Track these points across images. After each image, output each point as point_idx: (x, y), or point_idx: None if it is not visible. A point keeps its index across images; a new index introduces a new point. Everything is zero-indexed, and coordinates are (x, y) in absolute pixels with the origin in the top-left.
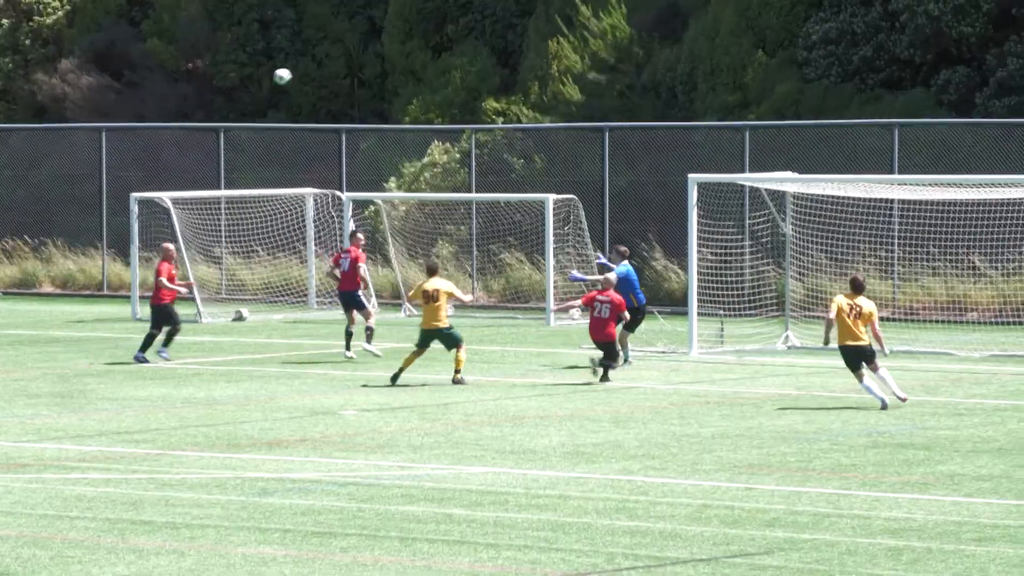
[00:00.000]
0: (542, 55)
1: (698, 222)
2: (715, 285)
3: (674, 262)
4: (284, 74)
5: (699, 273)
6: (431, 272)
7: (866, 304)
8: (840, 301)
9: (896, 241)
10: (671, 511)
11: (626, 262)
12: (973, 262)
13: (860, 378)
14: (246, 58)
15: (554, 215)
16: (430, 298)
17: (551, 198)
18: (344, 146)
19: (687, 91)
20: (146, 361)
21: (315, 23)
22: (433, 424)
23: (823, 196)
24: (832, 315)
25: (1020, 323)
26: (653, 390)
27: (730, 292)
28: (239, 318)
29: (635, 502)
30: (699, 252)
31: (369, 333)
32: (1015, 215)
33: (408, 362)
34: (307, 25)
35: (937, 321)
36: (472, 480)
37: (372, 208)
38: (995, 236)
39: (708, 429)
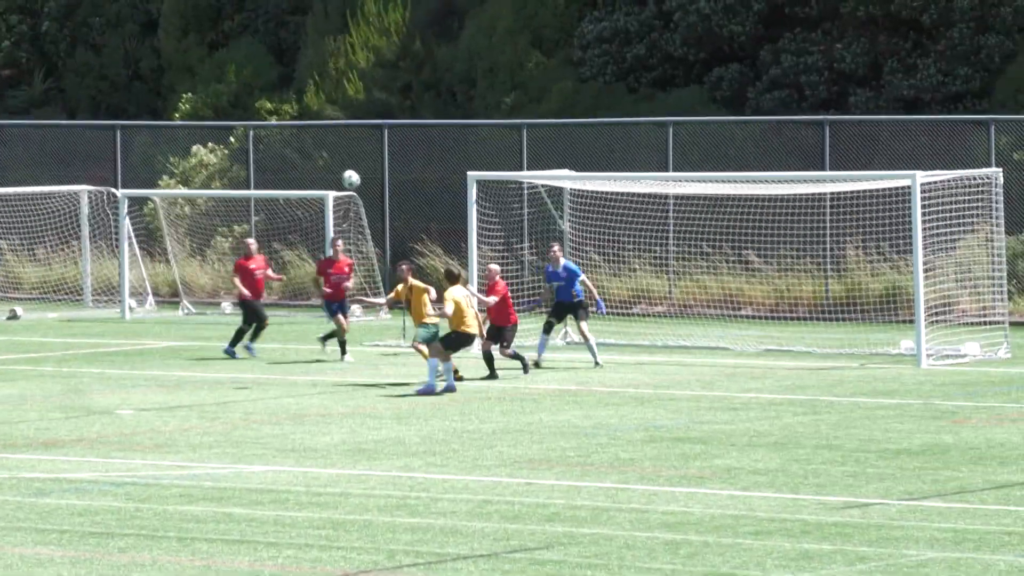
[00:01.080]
0: (320, 51)
1: (477, 220)
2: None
3: (454, 259)
4: (354, 179)
5: (478, 270)
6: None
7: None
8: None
9: (671, 237)
10: (452, 507)
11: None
12: (747, 257)
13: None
14: (11, 47)
15: (334, 212)
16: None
17: (331, 195)
18: (119, 143)
19: (466, 89)
20: (235, 356)
21: (89, 15)
22: (212, 423)
23: (600, 193)
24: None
25: (794, 318)
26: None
27: (512, 288)
28: (13, 316)
29: (416, 499)
30: (479, 249)
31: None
32: (787, 210)
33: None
34: (80, 17)
35: (712, 316)
36: (252, 479)
37: (150, 206)
38: (768, 232)
39: (489, 425)
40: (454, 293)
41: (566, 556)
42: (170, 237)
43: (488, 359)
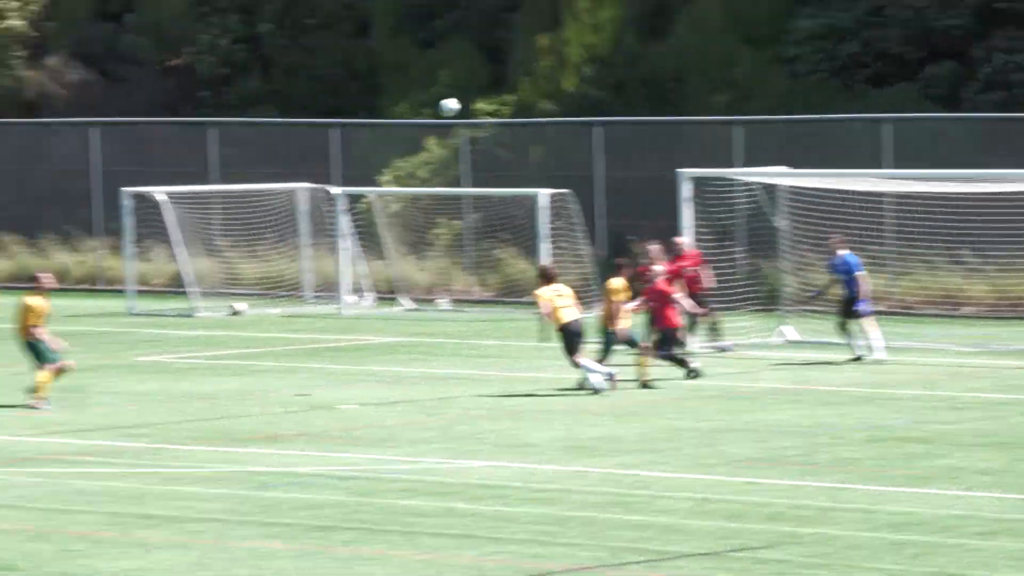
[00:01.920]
0: (532, 49)
1: (690, 217)
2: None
3: (668, 257)
4: (452, 104)
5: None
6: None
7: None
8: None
9: (888, 235)
10: (673, 505)
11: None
12: (964, 256)
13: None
14: (227, 45)
15: (548, 210)
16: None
17: (544, 192)
18: (335, 141)
19: (677, 86)
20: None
21: (304, 15)
22: (432, 418)
23: (815, 191)
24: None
25: (1016, 317)
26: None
27: (723, 286)
28: (235, 313)
29: (636, 496)
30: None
31: None
32: (1006, 209)
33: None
34: (294, 17)
35: (932, 315)
36: (472, 474)
37: (365, 202)
38: (986, 230)
39: (707, 423)
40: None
41: (789, 555)
42: (386, 234)
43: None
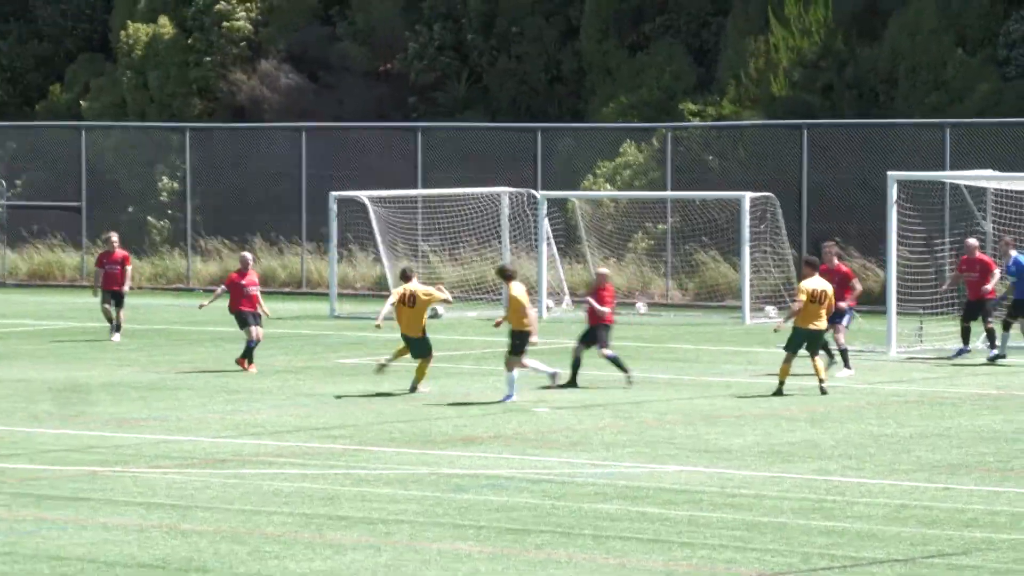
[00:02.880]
0: (740, 52)
1: (897, 220)
2: (914, 283)
3: (872, 261)
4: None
5: (898, 271)
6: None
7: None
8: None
9: None
10: (868, 511)
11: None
12: None
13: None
14: (435, 52)
15: (751, 213)
16: (815, 299)
17: (748, 196)
18: (540, 145)
19: (888, 89)
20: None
21: (511, 19)
22: (626, 422)
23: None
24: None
25: None
26: (850, 389)
27: (929, 290)
28: (435, 315)
29: (831, 502)
30: (898, 250)
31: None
32: None
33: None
34: (501, 21)
35: None
36: (666, 479)
37: (569, 206)
38: None
39: (906, 429)
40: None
41: (984, 562)
42: (588, 237)
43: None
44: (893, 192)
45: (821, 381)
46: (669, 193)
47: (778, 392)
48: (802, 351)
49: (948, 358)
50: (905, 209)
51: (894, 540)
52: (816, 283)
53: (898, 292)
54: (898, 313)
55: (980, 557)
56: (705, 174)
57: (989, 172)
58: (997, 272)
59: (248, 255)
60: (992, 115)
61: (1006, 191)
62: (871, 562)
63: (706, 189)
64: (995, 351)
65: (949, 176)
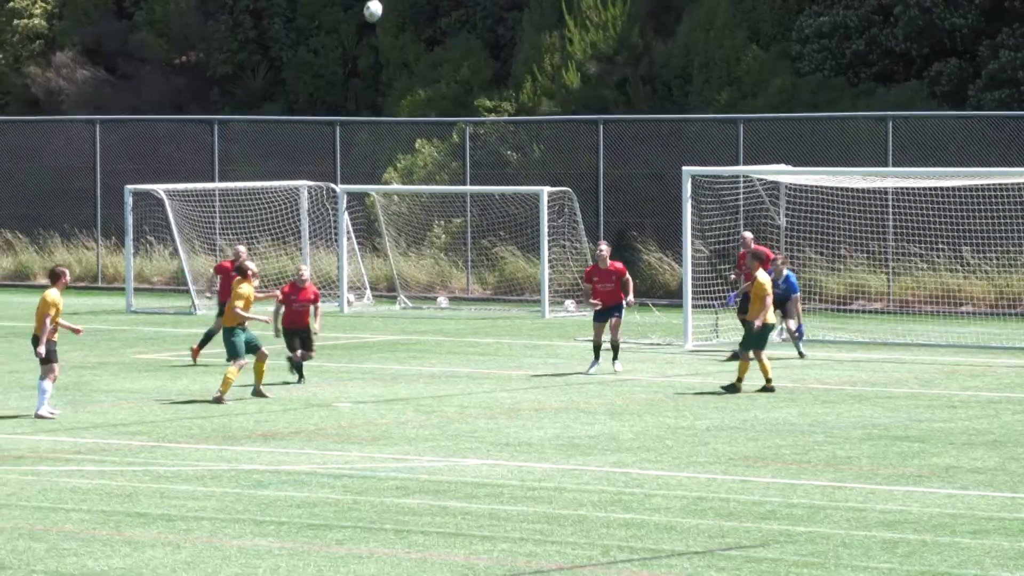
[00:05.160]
0: (536, 47)
1: (692, 214)
2: (710, 277)
3: (668, 254)
4: (375, 9)
5: (693, 265)
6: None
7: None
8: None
9: (890, 233)
10: (666, 503)
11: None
12: (963, 255)
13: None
14: (238, 47)
15: (549, 207)
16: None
17: (546, 190)
18: (338, 139)
19: (682, 84)
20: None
21: (309, 13)
22: (428, 416)
23: (817, 189)
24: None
25: (1015, 315)
26: (648, 382)
27: (724, 284)
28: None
29: (630, 494)
30: (693, 244)
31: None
32: (1008, 207)
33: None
34: (301, 15)
35: (930, 313)
36: (467, 472)
37: (369, 201)
38: (988, 228)
39: (703, 422)
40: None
41: (782, 554)
42: (387, 232)
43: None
44: (688, 186)
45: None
46: (468, 188)
47: (767, 389)
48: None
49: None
50: (700, 203)
51: (692, 532)
52: (768, 277)
53: (693, 286)
54: (694, 307)
55: (778, 549)
56: (504, 168)
57: (782, 167)
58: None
59: (242, 248)
60: (785, 110)
61: (799, 185)
62: (670, 554)
63: (505, 183)
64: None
65: (742, 171)
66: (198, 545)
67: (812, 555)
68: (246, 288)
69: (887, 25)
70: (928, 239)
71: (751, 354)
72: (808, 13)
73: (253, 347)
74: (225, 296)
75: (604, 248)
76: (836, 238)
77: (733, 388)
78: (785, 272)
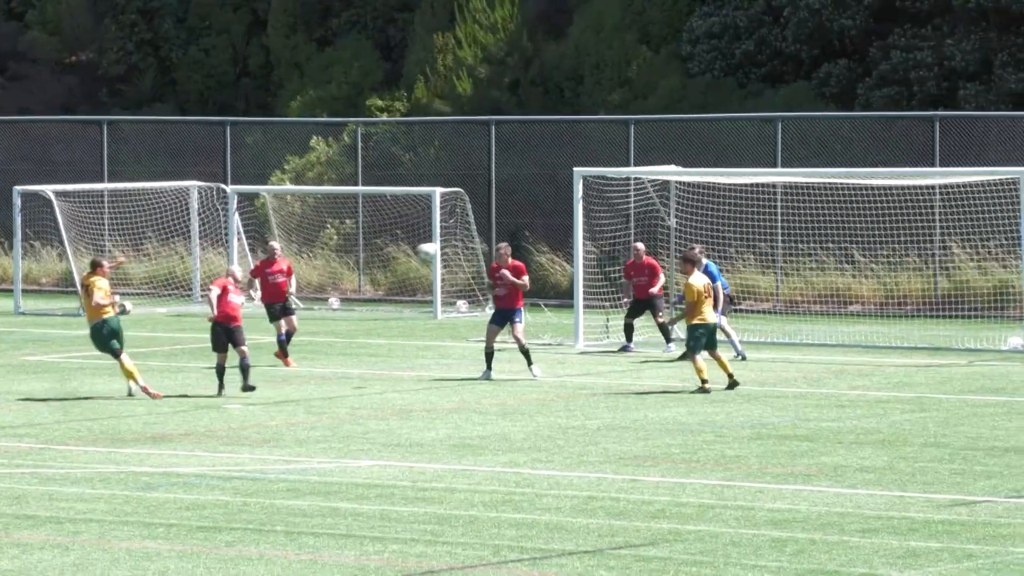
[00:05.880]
0: (428, 48)
1: (584, 215)
2: (601, 278)
3: (560, 255)
4: (430, 250)
5: (585, 266)
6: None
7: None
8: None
9: (779, 234)
10: (557, 503)
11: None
12: (852, 255)
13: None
14: (132, 47)
15: (441, 208)
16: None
17: (438, 191)
18: (229, 139)
19: (573, 85)
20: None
21: (200, 13)
22: (319, 418)
23: (707, 189)
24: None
25: (902, 315)
26: (539, 382)
27: (615, 285)
28: (123, 311)
29: (521, 495)
30: (584, 245)
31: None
32: (895, 207)
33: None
34: (192, 15)
35: (819, 313)
36: (358, 474)
37: (260, 201)
38: (877, 229)
39: (594, 421)
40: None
41: (671, 553)
42: (279, 232)
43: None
44: (579, 187)
45: (730, 375)
46: (359, 188)
47: (701, 390)
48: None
49: (617, 351)
50: (591, 204)
51: (582, 531)
52: (700, 279)
53: (585, 287)
54: (585, 308)
55: (667, 548)
56: (396, 169)
57: (673, 167)
58: (663, 276)
59: (275, 244)
60: (676, 111)
61: (689, 185)
62: (560, 554)
63: (398, 184)
64: (671, 344)
65: (634, 171)
66: (87, 547)
67: (701, 554)
68: (102, 282)
69: (777, 26)
70: (817, 239)
71: (691, 354)
72: (698, 14)
73: (119, 336)
74: (267, 297)
75: (503, 248)
76: (725, 238)
77: (702, 390)
78: (705, 262)
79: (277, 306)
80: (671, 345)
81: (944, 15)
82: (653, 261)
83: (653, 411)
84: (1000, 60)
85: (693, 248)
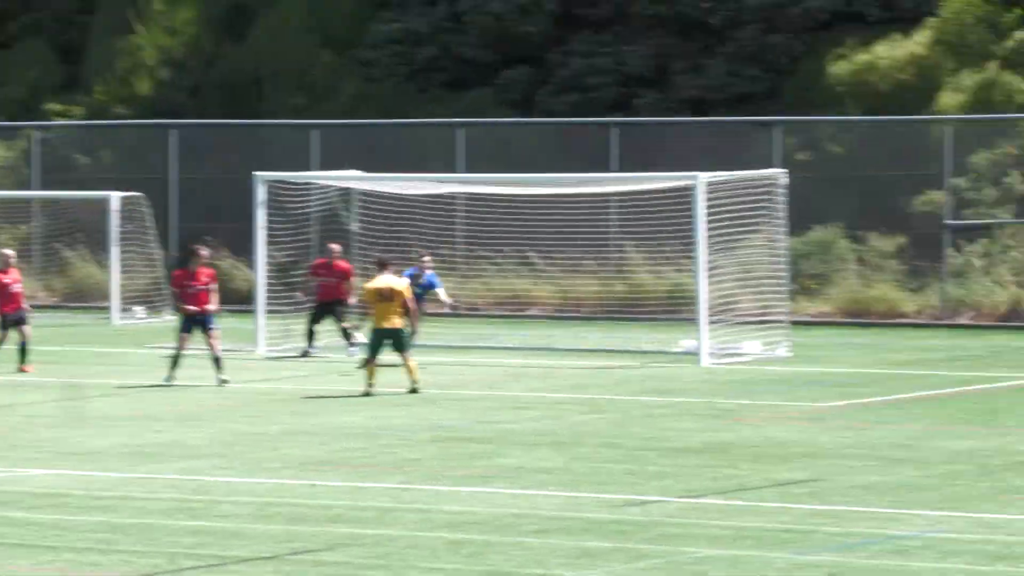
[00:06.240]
0: (108, 51)
1: (265, 220)
2: (283, 283)
3: (242, 260)
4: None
5: (267, 272)
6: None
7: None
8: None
9: (459, 239)
10: (235, 510)
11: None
12: (533, 259)
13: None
14: None
15: (120, 213)
16: (385, 297)
17: (116, 196)
18: None
19: (255, 89)
20: None
21: None
22: None
23: (389, 195)
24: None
25: (579, 318)
26: (220, 388)
27: (305, 288)
28: None
29: (198, 501)
30: (267, 250)
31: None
32: (573, 213)
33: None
34: None
35: (500, 316)
36: (31, 483)
37: None
38: (555, 233)
39: (275, 427)
40: None
41: (349, 557)
42: None
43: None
44: (261, 192)
45: (414, 382)
46: (32, 192)
47: (366, 393)
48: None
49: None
50: (273, 209)
51: (261, 537)
52: (382, 282)
53: (267, 292)
54: (267, 313)
55: (345, 552)
56: (75, 173)
57: (355, 172)
58: (353, 281)
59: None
60: (358, 116)
61: (372, 191)
62: (238, 560)
63: (78, 188)
64: (354, 348)
65: (316, 176)
66: None
67: (379, 557)
68: None
69: (458, 32)
70: (497, 244)
71: (401, 357)
72: (380, 19)
73: None
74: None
75: (204, 252)
76: (408, 243)
77: (413, 391)
78: (427, 274)
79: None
80: (354, 349)
81: (622, 22)
82: (347, 265)
83: (334, 416)
84: (677, 66)
85: (424, 256)
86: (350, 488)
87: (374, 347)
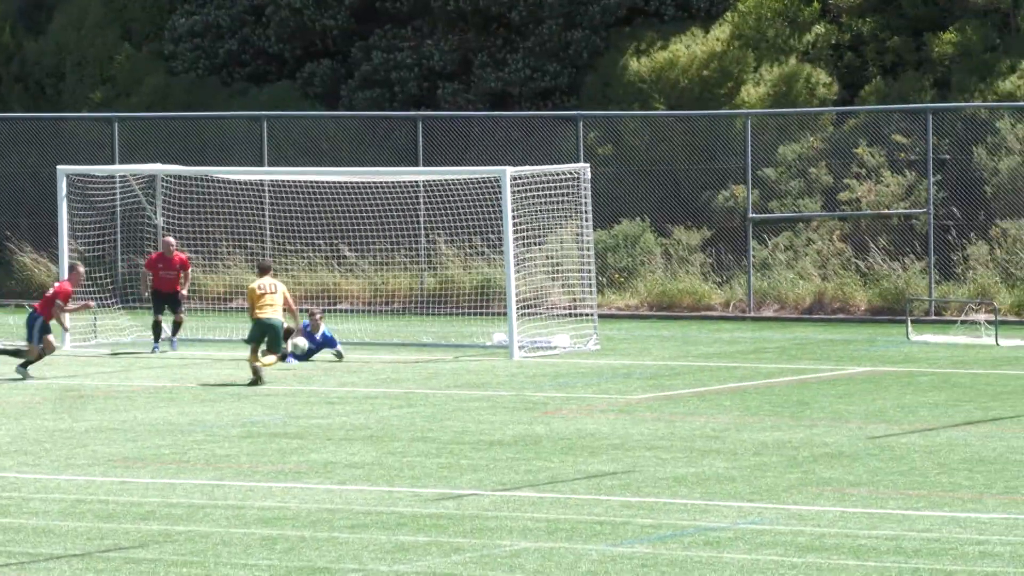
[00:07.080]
0: None
1: (68, 214)
2: (88, 277)
3: (44, 254)
4: (300, 343)
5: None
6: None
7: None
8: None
9: (267, 232)
10: (44, 507)
11: None
12: (342, 252)
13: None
14: None
15: None
16: (266, 291)
17: None
18: None
19: (55, 83)
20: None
21: None
22: None
23: (193, 188)
24: None
25: (391, 312)
26: (25, 385)
27: (103, 283)
28: None
29: (7, 499)
30: (70, 244)
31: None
32: (381, 206)
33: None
34: None
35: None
36: None
37: None
38: (363, 227)
39: (82, 424)
40: None
41: (161, 554)
42: None
43: None
44: (63, 186)
45: (259, 377)
46: None
47: (254, 383)
48: None
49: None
50: (76, 202)
51: (71, 535)
52: (264, 281)
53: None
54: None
55: (157, 549)
56: None
57: (158, 165)
58: (190, 272)
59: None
60: (160, 109)
61: (177, 185)
62: (48, 558)
63: None
64: (175, 341)
65: (119, 169)
66: None
67: (191, 554)
68: None
69: (259, 26)
70: (306, 237)
71: (269, 352)
72: (180, 12)
73: None
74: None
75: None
76: (216, 237)
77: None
78: (323, 328)
79: None
80: (175, 342)
81: (424, 16)
82: (184, 257)
83: (143, 412)
84: (479, 60)
85: (316, 314)
86: (161, 485)
87: (255, 337)
